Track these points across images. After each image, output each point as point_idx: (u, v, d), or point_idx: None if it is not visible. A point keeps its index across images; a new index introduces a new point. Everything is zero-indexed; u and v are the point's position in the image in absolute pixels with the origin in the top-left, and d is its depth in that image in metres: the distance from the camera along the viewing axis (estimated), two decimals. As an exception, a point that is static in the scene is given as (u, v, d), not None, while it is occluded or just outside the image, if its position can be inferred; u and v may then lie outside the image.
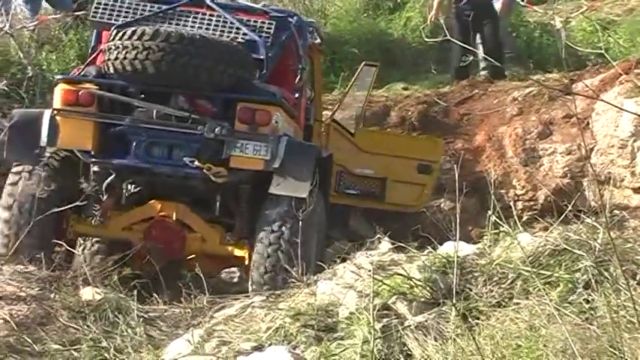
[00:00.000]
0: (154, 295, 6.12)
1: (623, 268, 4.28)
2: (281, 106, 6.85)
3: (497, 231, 5.07)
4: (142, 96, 6.75)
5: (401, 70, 11.33)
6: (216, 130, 6.62)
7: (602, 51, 7.16)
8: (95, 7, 7.18)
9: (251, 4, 7.76)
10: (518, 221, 5.05)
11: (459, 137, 9.60)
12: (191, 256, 6.81)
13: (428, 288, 4.71)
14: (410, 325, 4.53)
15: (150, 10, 7.09)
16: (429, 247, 5.29)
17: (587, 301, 4.35)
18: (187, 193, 6.88)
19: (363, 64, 9.26)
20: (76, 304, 5.68)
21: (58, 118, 6.70)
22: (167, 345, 5.21)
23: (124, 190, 6.86)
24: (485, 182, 7.64)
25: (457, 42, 7.99)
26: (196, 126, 6.66)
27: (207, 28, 6.97)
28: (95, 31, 7.50)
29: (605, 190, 8.53)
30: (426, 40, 10.09)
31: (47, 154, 6.70)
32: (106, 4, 7.10)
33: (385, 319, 4.59)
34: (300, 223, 6.25)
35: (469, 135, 9.64)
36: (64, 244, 6.59)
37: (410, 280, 4.74)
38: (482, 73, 10.56)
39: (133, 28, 6.62)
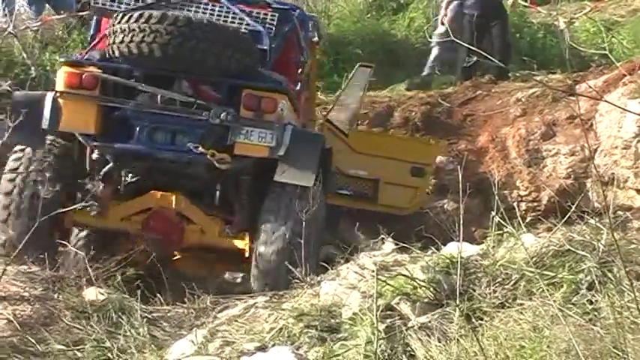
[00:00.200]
0: (158, 295, 6.12)
1: (627, 269, 4.28)
2: (287, 95, 6.80)
3: (500, 232, 5.07)
4: (145, 81, 6.66)
5: (404, 70, 11.33)
6: (222, 115, 6.55)
7: (606, 52, 7.19)
8: None
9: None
10: (521, 222, 5.04)
11: (462, 138, 9.60)
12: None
13: (431, 289, 4.71)
14: (413, 326, 4.52)
15: None
16: (432, 247, 5.29)
17: (591, 302, 4.34)
18: (187, 182, 6.81)
19: (358, 65, 9.25)
20: (79, 304, 5.68)
21: (60, 100, 6.62)
22: (170, 345, 5.21)
23: (122, 179, 6.77)
24: (488, 183, 7.63)
25: (461, 43, 7.99)
26: (201, 111, 6.60)
27: (210, 18, 6.88)
28: (95, 18, 7.43)
29: (609, 191, 8.51)
30: (430, 40, 10.09)
31: (48, 141, 6.65)
32: None
33: (389, 320, 4.58)
34: (304, 218, 6.17)
35: (472, 136, 9.63)
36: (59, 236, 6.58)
37: (413, 281, 4.74)
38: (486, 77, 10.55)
39: (140, 12, 6.54)
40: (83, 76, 6.63)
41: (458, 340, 4.22)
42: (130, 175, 6.80)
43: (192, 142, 6.56)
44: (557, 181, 9.02)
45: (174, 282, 6.42)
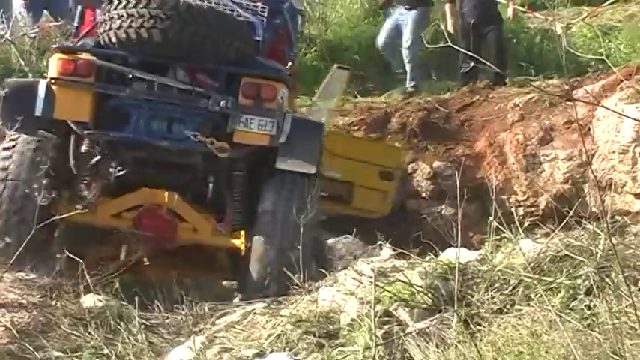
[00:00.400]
0: (156, 301, 6.11)
1: (625, 274, 4.28)
2: (285, 83, 6.69)
3: (498, 237, 5.07)
4: (140, 68, 6.51)
5: (402, 76, 11.31)
6: (222, 103, 6.43)
7: (603, 57, 7.19)
8: None
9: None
10: (519, 227, 5.04)
11: (459, 143, 9.60)
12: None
13: (429, 294, 4.70)
14: (411, 332, 4.52)
15: None
16: (430, 253, 5.29)
17: (589, 307, 4.34)
18: (179, 175, 6.68)
19: (334, 66, 9.20)
20: (77, 311, 5.68)
21: (54, 87, 6.45)
22: (168, 352, 5.21)
23: (112, 173, 6.59)
24: (486, 188, 7.63)
25: (459, 48, 7.99)
26: (199, 99, 6.49)
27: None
28: (79, 9, 7.25)
29: (607, 195, 8.52)
30: (427, 46, 10.10)
31: (40, 132, 6.47)
32: None
33: (387, 326, 4.58)
34: (302, 223, 5.98)
35: (470, 141, 9.64)
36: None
37: (411, 287, 4.74)
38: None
39: None
40: (78, 62, 6.46)
41: (456, 345, 4.22)
42: (118, 169, 6.61)
43: (189, 130, 6.44)
44: (554, 186, 9.02)
45: (172, 289, 6.40)
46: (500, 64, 10.03)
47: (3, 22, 10.57)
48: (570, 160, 9.11)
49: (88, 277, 5.93)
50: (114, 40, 6.41)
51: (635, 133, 8.67)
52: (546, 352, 3.98)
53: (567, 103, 9.15)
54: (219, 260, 7.07)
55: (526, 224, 5.10)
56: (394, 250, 5.74)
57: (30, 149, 6.50)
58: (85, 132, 6.50)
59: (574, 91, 9.34)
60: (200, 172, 6.70)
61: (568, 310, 4.33)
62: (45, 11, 11.55)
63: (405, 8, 10.87)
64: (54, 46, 6.96)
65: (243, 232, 6.60)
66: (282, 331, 4.93)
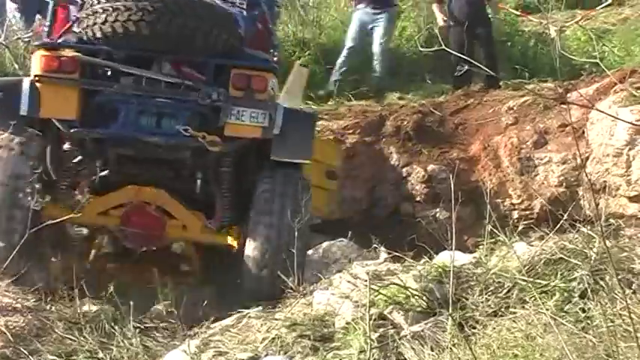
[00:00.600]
0: (150, 305, 6.10)
1: (619, 277, 4.29)
2: (274, 73, 6.61)
3: (493, 240, 5.08)
4: (125, 63, 6.37)
5: (396, 79, 11.32)
6: (213, 95, 6.33)
7: (597, 60, 7.19)
8: None
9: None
10: (514, 230, 5.05)
11: (454, 147, 9.60)
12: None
13: (424, 298, 4.71)
14: (406, 335, 4.52)
15: None
16: (425, 256, 5.29)
17: (584, 310, 4.35)
18: (166, 172, 6.59)
19: (296, 63, 9.10)
20: (72, 315, 5.67)
21: (39, 85, 6.30)
22: (163, 356, 5.21)
23: (98, 170, 6.50)
24: (480, 192, 7.63)
25: (452, 51, 7.98)
26: (188, 93, 6.37)
27: None
28: (51, 7, 6.96)
29: (601, 198, 8.52)
30: (421, 49, 10.10)
31: (26, 131, 6.32)
32: None
33: (381, 329, 4.58)
34: (297, 227, 6.01)
35: (464, 144, 9.63)
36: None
37: (406, 290, 4.74)
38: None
39: None
40: (62, 59, 6.33)
41: (451, 349, 4.22)
42: (104, 167, 6.51)
43: (179, 124, 6.34)
44: (549, 190, 9.02)
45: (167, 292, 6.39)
46: (492, 66, 10.03)
47: (-3, 26, 10.57)
48: (564, 164, 9.11)
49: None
50: (99, 34, 6.26)
51: (629, 136, 8.67)
52: (541, 355, 3.99)
53: (562, 106, 9.14)
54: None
55: (520, 227, 5.12)
56: (389, 253, 5.75)
57: (18, 151, 6.35)
58: (72, 130, 6.37)
59: (568, 95, 9.35)
60: (188, 168, 6.61)
61: (562, 313, 4.33)
62: (38, 15, 11.52)
63: (375, 11, 10.95)
64: (35, 42, 6.80)
65: (235, 229, 6.53)
66: (277, 334, 4.92)
